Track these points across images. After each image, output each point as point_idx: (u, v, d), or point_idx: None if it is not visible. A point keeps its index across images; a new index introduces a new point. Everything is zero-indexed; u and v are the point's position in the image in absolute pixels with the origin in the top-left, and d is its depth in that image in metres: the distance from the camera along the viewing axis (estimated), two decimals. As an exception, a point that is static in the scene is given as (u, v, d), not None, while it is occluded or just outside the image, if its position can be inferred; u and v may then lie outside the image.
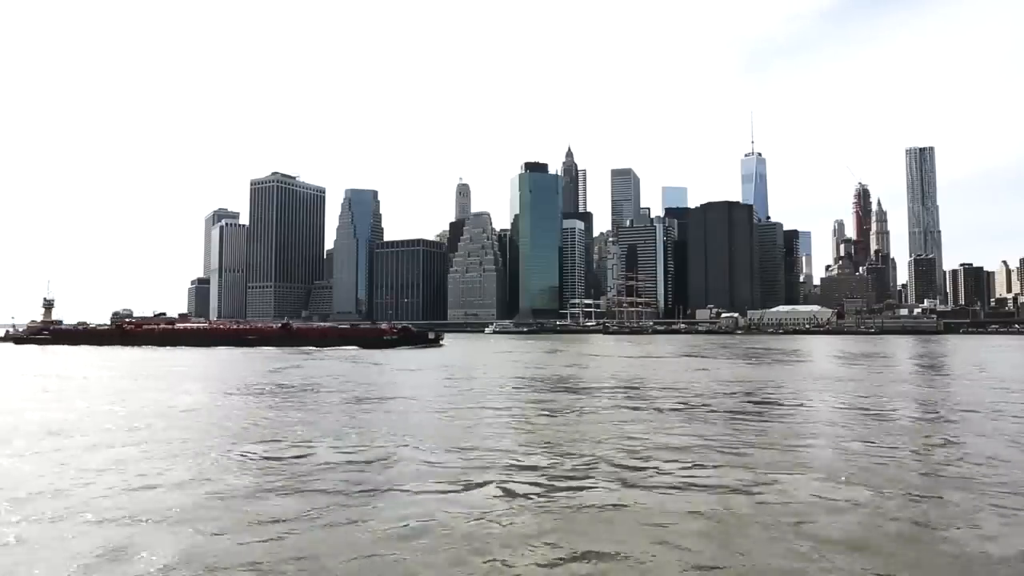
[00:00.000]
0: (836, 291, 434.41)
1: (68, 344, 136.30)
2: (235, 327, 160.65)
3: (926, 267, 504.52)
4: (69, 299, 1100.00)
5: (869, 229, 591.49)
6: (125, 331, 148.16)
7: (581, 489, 16.58)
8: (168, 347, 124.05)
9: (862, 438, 24.10)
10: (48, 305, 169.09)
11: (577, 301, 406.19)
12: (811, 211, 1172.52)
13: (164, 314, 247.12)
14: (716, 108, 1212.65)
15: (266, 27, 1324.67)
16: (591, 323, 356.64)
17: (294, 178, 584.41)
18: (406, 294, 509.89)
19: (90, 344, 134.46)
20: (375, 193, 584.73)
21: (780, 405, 35.11)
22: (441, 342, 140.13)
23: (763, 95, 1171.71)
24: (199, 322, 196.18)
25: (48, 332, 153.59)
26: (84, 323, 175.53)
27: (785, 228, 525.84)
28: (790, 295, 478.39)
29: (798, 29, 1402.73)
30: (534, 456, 20.80)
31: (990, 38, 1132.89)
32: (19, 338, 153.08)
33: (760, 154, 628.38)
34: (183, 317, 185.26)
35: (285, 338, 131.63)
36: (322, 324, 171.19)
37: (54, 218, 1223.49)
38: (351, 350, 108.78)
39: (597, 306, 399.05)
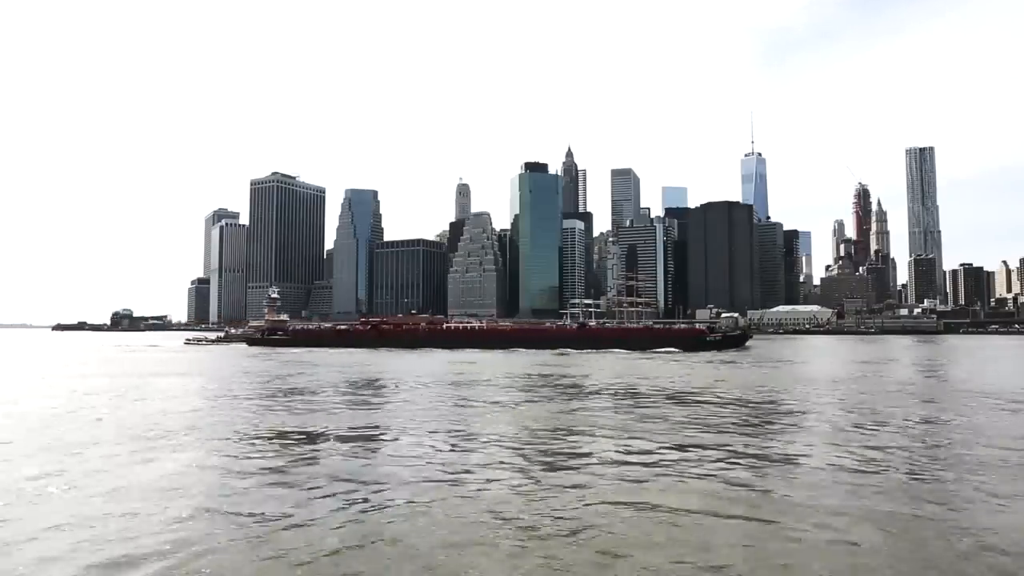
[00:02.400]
0: (836, 291, 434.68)
1: (308, 346, 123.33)
2: (524, 327, 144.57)
3: (926, 267, 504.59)
4: (69, 299, 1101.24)
5: (869, 229, 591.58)
6: (381, 331, 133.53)
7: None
8: (449, 349, 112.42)
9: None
10: (273, 304, 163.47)
11: (577, 301, 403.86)
12: (811, 211, 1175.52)
13: (411, 313, 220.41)
14: (716, 108, 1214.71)
15: (266, 28, 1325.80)
16: (591, 323, 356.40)
17: (294, 178, 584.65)
18: (406, 294, 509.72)
19: (338, 346, 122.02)
20: (375, 193, 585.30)
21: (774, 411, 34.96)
22: (747, 343, 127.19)
23: (763, 95, 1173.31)
24: (469, 321, 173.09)
25: (283, 332, 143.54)
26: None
27: (785, 228, 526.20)
28: (790, 295, 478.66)
29: (798, 31, 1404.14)
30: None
31: (990, 38, 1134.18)
32: (253, 339, 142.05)
33: (760, 154, 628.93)
34: (431, 315, 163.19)
35: (585, 339, 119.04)
36: (626, 324, 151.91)
37: (54, 218, 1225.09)
38: (673, 353, 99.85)
39: (597, 306, 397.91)
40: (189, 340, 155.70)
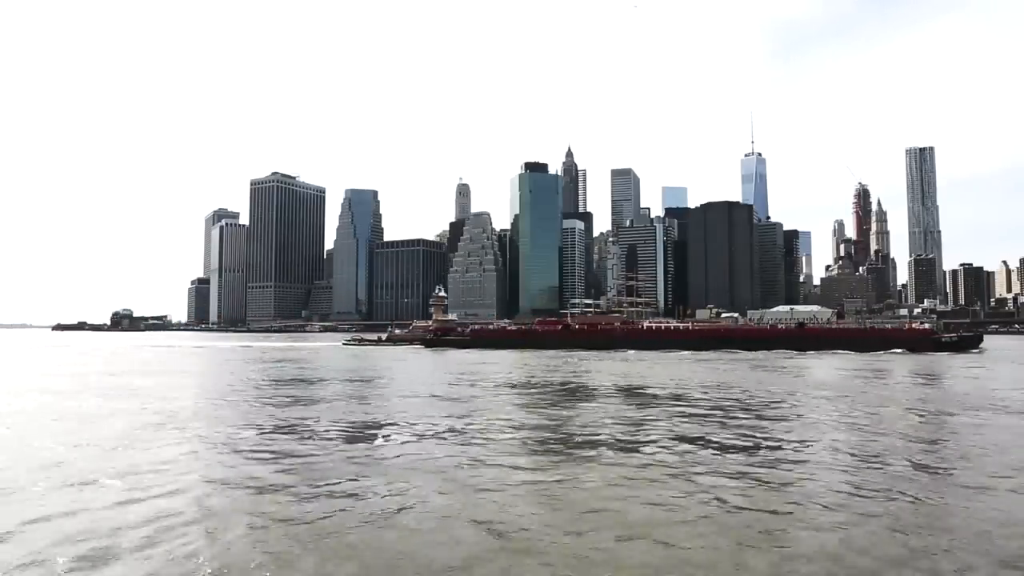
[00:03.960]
0: (836, 291, 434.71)
1: (490, 347, 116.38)
2: (733, 326, 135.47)
3: (926, 267, 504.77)
4: (69, 299, 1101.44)
5: (869, 229, 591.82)
6: (573, 331, 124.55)
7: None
8: (650, 350, 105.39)
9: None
10: (440, 303, 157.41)
11: (577, 301, 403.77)
12: (811, 211, 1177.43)
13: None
14: (716, 108, 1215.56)
15: (266, 28, 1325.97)
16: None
17: (294, 178, 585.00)
18: (406, 294, 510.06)
19: (524, 347, 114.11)
20: (375, 193, 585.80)
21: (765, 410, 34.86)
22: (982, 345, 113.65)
23: (763, 95, 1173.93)
24: (666, 321, 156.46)
25: (459, 331, 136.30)
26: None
27: (785, 228, 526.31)
28: (790, 295, 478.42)
29: (797, 31, 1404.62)
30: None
31: (990, 38, 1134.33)
32: (429, 340, 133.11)
33: (760, 154, 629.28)
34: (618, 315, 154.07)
35: (805, 340, 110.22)
36: (843, 322, 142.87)
37: (54, 218, 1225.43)
38: (901, 354, 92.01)
39: (597, 306, 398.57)
40: (348, 341, 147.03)
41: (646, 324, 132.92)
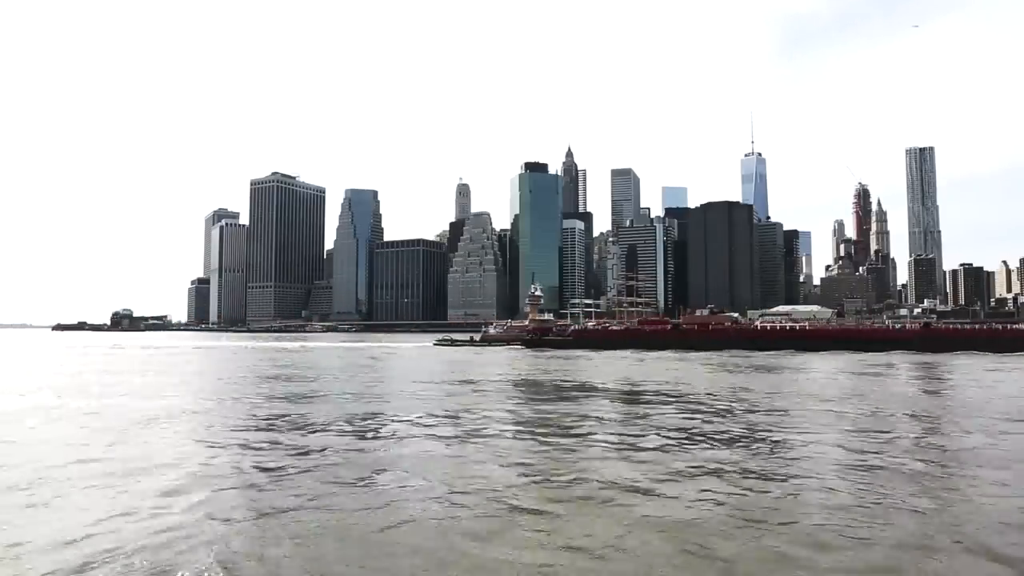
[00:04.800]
0: (836, 291, 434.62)
1: (594, 348, 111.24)
2: (852, 326, 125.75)
3: (926, 267, 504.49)
4: (69, 299, 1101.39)
5: (869, 229, 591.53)
6: (683, 331, 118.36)
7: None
8: (761, 350, 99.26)
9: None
10: (537, 302, 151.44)
11: (577, 301, 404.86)
12: (811, 211, 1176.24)
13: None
14: (716, 108, 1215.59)
15: (267, 27, 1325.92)
16: (591, 323, 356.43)
17: (294, 178, 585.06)
18: (406, 294, 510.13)
19: (631, 347, 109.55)
20: (375, 193, 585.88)
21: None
22: None
23: (763, 95, 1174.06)
24: (776, 321, 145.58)
25: (557, 331, 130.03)
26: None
27: (785, 228, 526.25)
28: (790, 295, 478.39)
29: (797, 31, 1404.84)
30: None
31: (990, 38, 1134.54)
32: (529, 340, 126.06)
33: (760, 154, 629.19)
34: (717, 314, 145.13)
35: (930, 340, 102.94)
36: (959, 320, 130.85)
37: (54, 218, 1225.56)
38: None
39: (597, 306, 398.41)
40: (440, 341, 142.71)
41: (759, 324, 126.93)
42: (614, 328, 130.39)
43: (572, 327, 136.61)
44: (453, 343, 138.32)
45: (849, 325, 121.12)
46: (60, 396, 39.64)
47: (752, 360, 78.16)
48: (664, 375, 56.34)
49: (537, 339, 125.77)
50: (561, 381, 50.25)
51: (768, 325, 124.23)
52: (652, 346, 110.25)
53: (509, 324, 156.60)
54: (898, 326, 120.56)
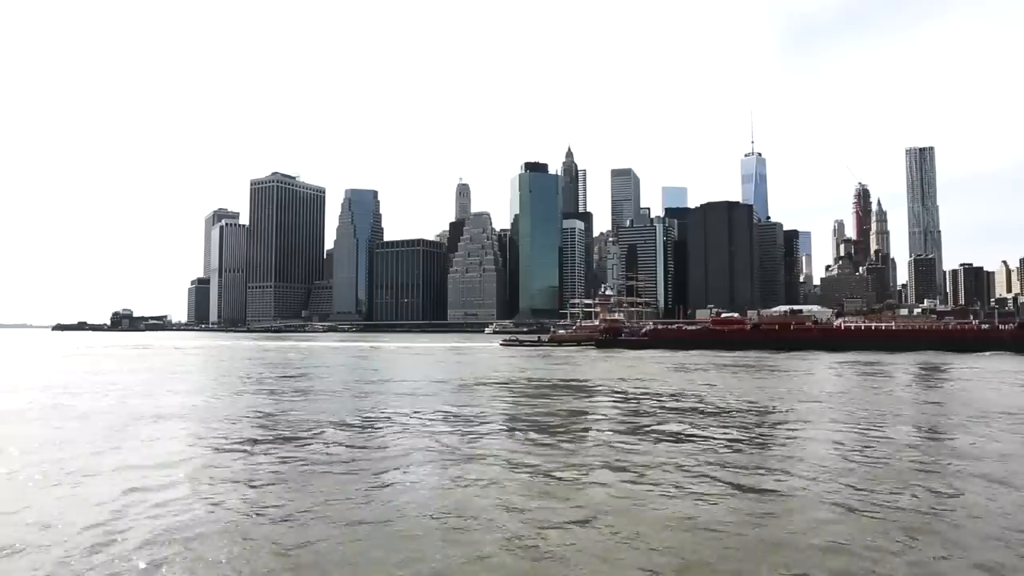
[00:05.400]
0: (836, 291, 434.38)
1: (670, 348, 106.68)
2: (928, 327, 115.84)
3: (926, 267, 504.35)
4: (69, 299, 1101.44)
5: (869, 229, 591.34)
6: (765, 331, 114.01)
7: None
8: (843, 351, 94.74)
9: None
10: (607, 302, 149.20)
11: (577, 301, 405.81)
12: (811, 211, 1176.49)
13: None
14: (716, 108, 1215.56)
15: (267, 27, 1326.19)
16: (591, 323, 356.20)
17: (294, 178, 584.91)
18: (406, 294, 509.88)
19: (712, 348, 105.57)
20: (375, 193, 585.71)
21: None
22: None
23: (763, 95, 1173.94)
24: (856, 320, 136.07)
25: (631, 331, 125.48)
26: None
27: (785, 228, 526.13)
28: (790, 295, 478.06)
29: (797, 31, 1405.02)
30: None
31: (990, 38, 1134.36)
32: (602, 341, 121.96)
33: (760, 154, 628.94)
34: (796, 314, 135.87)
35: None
36: None
37: (54, 218, 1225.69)
38: None
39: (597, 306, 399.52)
40: (507, 341, 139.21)
41: (842, 324, 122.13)
42: (690, 328, 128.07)
43: (646, 327, 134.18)
44: (521, 343, 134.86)
45: (938, 325, 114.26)
46: (73, 395, 39.58)
47: (858, 360, 74.54)
48: (790, 384, 48.87)
49: (611, 339, 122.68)
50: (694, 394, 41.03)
51: (852, 325, 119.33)
52: (730, 346, 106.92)
53: (579, 324, 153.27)
54: (986, 326, 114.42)
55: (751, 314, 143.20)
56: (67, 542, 12.84)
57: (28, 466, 19.63)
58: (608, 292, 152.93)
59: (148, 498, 15.93)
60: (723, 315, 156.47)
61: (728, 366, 68.67)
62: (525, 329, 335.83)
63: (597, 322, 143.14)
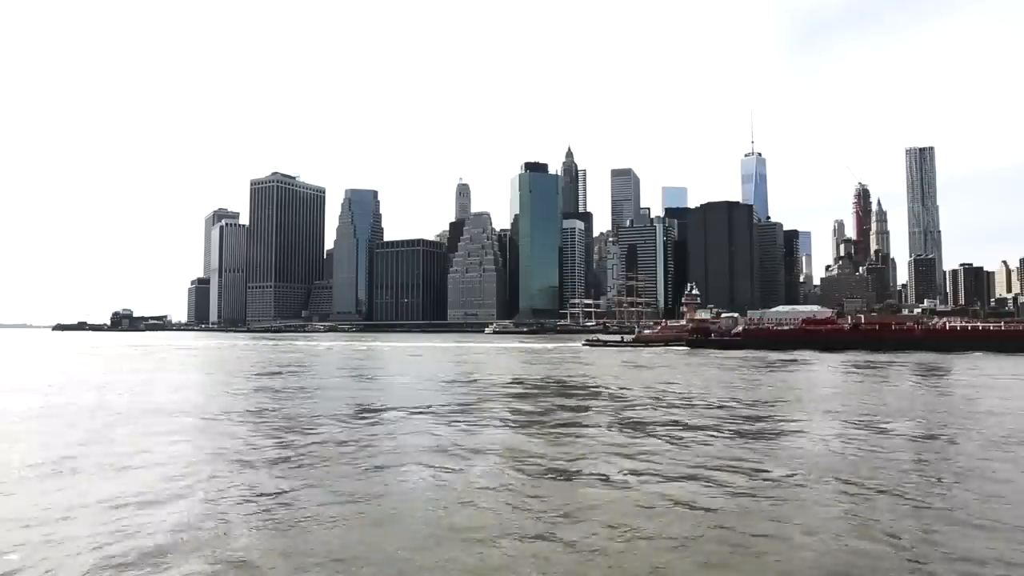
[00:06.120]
0: (836, 291, 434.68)
1: (764, 348, 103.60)
2: None
3: (926, 267, 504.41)
4: (69, 299, 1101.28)
5: (869, 229, 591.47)
6: (863, 331, 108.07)
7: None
8: (948, 352, 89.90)
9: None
10: (693, 302, 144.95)
11: (577, 301, 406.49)
12: (811, 211, 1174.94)
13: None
14: (716, 107, 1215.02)
15: (267, 27, 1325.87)
16: (591, 323, 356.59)
17: (294, 178, 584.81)
18: (406, 294, 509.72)
19: (806, 348, 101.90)
20: (375, 193, 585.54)
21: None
22: None
23: (763, 95, 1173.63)
24: (960, 319, 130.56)
25: (720, 330, 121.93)
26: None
27: (785, 228, 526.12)
28: (790, 295, 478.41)
29: (797, 31, 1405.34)
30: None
31: (990, 38, 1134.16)
32: (694, 341, 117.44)
33: (760, 154, 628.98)
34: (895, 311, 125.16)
35: None
36: None
37: (54, 218, 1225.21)
38: None
39: (597, 306, 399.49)
40: (589, 341, 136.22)
41: (946, 324, 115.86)
42: (784, 328, 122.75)
43: (738, 326, 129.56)
44: (605, 344, 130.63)
45: None
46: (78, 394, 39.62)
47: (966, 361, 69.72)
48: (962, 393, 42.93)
49: (702, 340, 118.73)
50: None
51: (959, 325, 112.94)
52: (826, 347, 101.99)
53: (665, 324, 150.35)
54: None
55: (833, 315, 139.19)
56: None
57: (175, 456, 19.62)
58: (695, 292, 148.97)
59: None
60: (814, 314, 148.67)
61: (865, 368, 62.79)
62: (525, 329, 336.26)
63: (684, 322, 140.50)
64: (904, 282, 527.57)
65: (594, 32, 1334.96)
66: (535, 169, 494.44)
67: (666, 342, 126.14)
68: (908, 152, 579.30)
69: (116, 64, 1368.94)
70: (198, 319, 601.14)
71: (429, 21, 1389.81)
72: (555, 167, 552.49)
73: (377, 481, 17.78)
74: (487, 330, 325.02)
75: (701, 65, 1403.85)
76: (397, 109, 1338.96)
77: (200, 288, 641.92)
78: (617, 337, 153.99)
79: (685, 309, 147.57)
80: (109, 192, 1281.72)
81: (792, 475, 18.81)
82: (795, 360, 77.86)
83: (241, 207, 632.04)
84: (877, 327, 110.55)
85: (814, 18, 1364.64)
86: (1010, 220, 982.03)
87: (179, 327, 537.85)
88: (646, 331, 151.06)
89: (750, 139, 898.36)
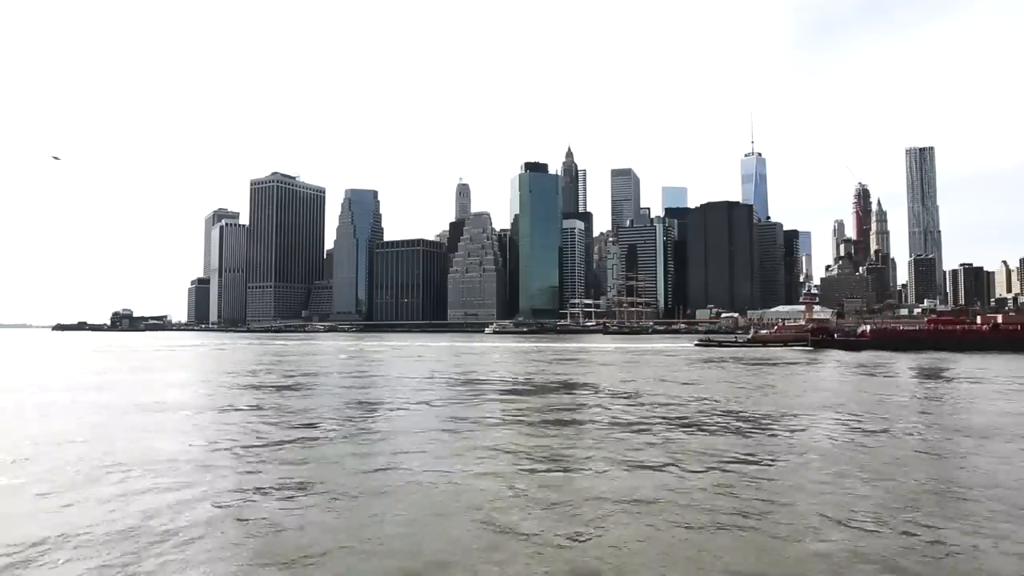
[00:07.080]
0: (836, 291, 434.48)
1: (889, 349, 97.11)
2: None
3: (926, 267, 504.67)
4: (69, 299, 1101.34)
5: (869, 229, 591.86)
6: (1005, 330, 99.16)
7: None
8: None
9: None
10: (812, 300, 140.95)
11: (577, 301, 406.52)
12: (811, 211, 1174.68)
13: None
14: (716, 107, 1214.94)
15: (267, 27, 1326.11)
16: (591, 323, 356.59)
17: (294, 178, 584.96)
18: (406, 294, 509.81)
19: (926, 349, 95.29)
20: (375, 193, 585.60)
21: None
22: None
23: (763, 95, 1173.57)
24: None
25: (840, 330, 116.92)
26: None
27: (785, 228, 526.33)
28: (790, 295, 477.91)
29: (797, 31, 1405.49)
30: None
31: (991, 38, 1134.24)
32: (818, 341, 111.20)
33: (760, 154, 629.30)
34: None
35: None
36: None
37: (55, 218, 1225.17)
38: None
39: (597, 306, 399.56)
40: (701, 341, 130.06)
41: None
42: (911, 329, 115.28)
43: (864, 326, 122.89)
44: (720, 344, 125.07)
45: None
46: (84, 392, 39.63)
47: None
48: None
49: (828, 339, 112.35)
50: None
51: None
52: (962, 348, 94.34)
53: (783, 324, 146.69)
54: None
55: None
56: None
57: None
58: (814, 291, 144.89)
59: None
60: (939, 311, 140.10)
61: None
62: (525, 329, 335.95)
63: (803, 321, 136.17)
64: (904, 282, 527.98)
65: (594, 32, 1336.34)
66: (535, 169, 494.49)
67: (785, 342, 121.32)
68: (908, 152, 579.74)
69: (116, 64, 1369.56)
70: (198, 319, 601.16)
71: (429, 22, 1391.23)
72: (555, 167, 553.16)
73: (378, 481, 17.76)
74: (487, 330, 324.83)
75: (701, 65, 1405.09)
76: (397, 109, 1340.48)
77: (200, 288, 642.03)
78: (731, 337, 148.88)
79: (804, 308, 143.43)
80: (109, 192, 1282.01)
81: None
82: (948, 367, 62.97)
83: (241, 207, 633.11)
84: (1021, 327, 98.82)
85: (824, 15, 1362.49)
86: (1010, 220, 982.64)
87: (179, 327, 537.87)
88: (763, 331, 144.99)
89: (750, 139, 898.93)
